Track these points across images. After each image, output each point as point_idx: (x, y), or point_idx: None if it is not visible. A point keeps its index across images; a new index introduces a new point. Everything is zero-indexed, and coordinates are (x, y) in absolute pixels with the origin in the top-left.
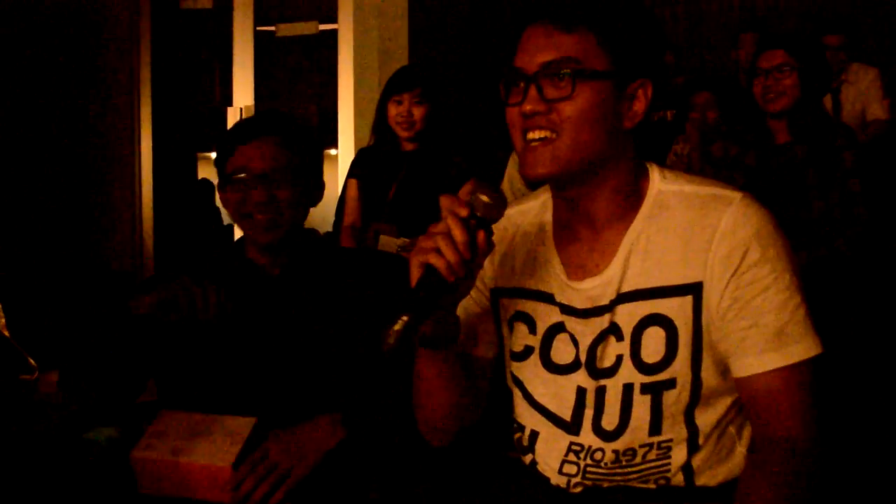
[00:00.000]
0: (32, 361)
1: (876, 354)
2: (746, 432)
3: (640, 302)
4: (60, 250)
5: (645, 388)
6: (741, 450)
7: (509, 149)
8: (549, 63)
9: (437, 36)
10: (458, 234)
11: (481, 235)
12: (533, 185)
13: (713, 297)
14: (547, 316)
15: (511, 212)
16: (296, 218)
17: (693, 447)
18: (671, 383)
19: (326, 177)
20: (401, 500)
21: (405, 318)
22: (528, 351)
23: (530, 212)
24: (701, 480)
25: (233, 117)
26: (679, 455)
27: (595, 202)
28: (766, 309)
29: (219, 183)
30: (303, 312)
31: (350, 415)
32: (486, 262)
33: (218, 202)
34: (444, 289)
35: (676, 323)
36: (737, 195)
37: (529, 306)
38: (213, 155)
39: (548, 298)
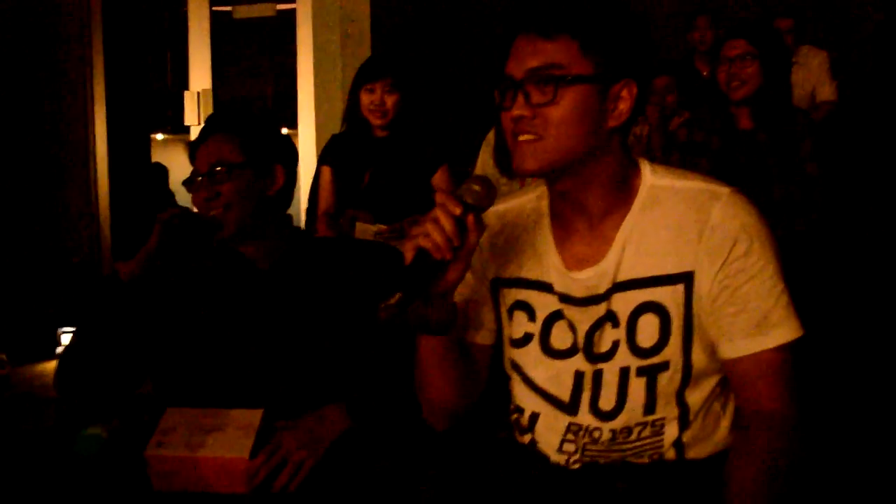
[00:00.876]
0: (3, 356)
1: (836, 331)
2: (729, 408)
3: (636, 290)
4: (13, 238)
5: (640, 371)
6: (725, 424)
7: (481, 132)
8: (535, 70)
9: (399, 14)
10: (444, 219)
11: (470, 219)
12: (507, 171)
13: (703, 285)
14: (546, 304)
15: (510, 205)
16: (244, 211)
17: (684, 424)
18: (665, 366)
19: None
20: (418, 486)
21: (398, 294)
22: (527, 338)
23: (528, 205)
24: (691, 454)
25: (190, 101)
26: (671, 432)
27: (587, 195)
28: (752, 296)
29: None
30: (296, 305)
31: (354, 404)
32: (487, 254)
33: (172, 186)
34: (434, 267)
35: (669, 310)
36: (725, 190)
37: (529, 295)
38: (160, 137)
39: (547, 288)
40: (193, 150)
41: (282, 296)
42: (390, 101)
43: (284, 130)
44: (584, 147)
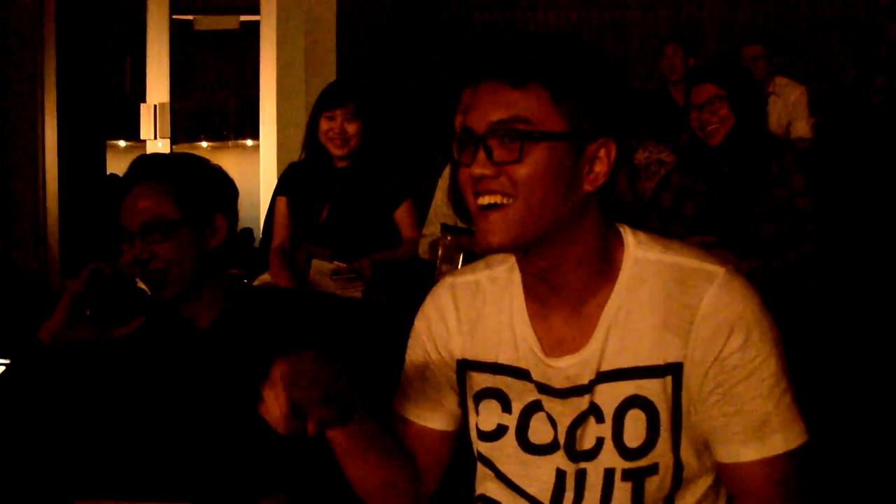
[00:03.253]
0: None
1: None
2: None
3: (621, 382)
4: None
5: (626, 475)
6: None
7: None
8: (498, 123)
9: (365, 26)
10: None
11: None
12: (463, 216)
13: (694, 378)
14: (522, 393)
15: (480, 277)
16: (183, 270)
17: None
18: (653, 469)
19: (247, 169)
20: None
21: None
22: (501, 430)
23: (499, 279)
24: None
25: (146, 114)
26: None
27: (563, 274)
28: (750, 396)
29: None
30: (237, 372)
31: (295, 495)
32: (453, 332)
33: None
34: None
35: (657, 405)
36: (720, 271)
37: (502, 382)
38: (122, 144)
39: (523, 375)
40: (117, 201)
41: (222, 359)
42: (351, 129)
43: (250, 143)
44: (555, 214)
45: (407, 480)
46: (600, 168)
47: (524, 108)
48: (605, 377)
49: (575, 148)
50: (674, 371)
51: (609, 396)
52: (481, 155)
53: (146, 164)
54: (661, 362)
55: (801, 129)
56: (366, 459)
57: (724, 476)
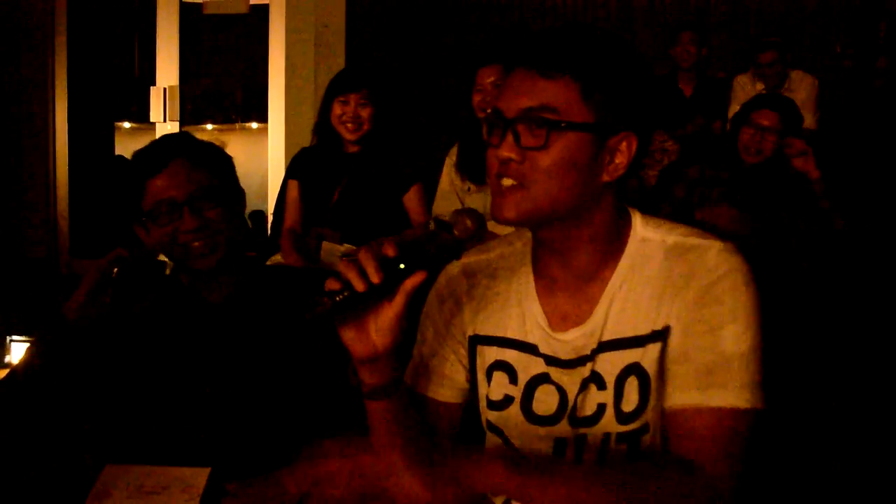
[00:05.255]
0: None
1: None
2: None
3: (620, 351)
4: None
5: (620, 438)
6: None
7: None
8: (528, 110)
9: (374, 9)
10: (370, 267)
11: (408, 280)
12: (472, 177)
13: (676, 339)
14: (529, 366)
15: (491, 255)
16: (232, 236)
17: None
18: (645, 429)
19: (254, 151)
20: None
21: (320, 307)
22: (508, 400)
23: (511, 257)
24: None
25: (156, 97)
26: None
27: (573, 251)
28: (705, 347)
29: (136, 222)
30: (250, 345)
31: None
32: (465, 309)
33: None
34: (355, 299)
35: (648, 370)
36: (717, 244)
37: (510, 355)
38: (127, 125)
39: (531, 349)
40: (144, 180)
41: (235, 333)
42: (364, 114)
43: (255, 125)
44: (572, 200)
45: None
46: (620, 160)
47: (553, 97)
48: (606, 346)
49: (598, 139)
50: (663, 336)
51: (610, 365)
52: (509, 138)
53: (175, 142)
54: (653, 329)
55: (806, 120)
56: (397, 430)
57: (666, 423)
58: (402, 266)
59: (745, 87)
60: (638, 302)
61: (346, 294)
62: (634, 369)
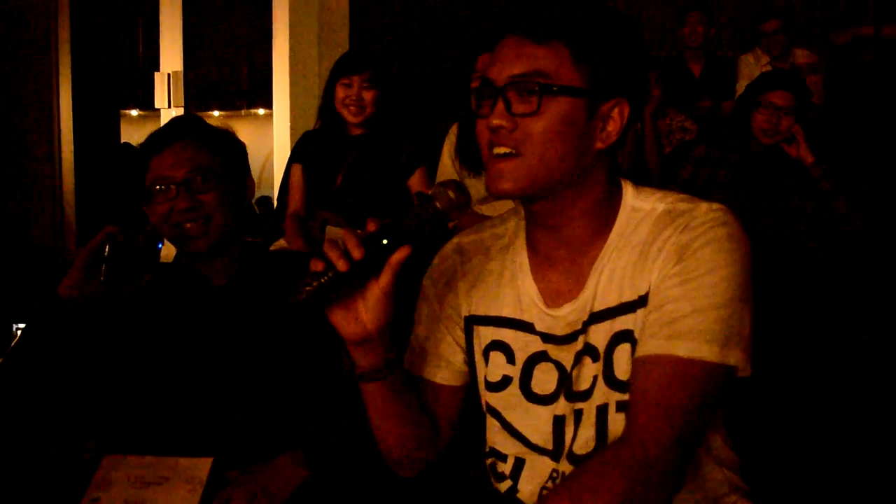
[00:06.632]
0: None
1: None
2: (717, 451)
3: (610, 321)
4: None
5: (620, 406)
6: (713, 469)
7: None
8: (519, 76)
9: None
10: (351, 244)
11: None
12: (470, 165)
13: (653, 293)
14: (526, 345)
15: (484, 234)
16: (226, 221)
17: None
18: None
19: (260, 137)
20: None
21: (306, 289)
22: (506, 381)
23: (504, 236)
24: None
25: (160, 83)
26: None
27: (566, 223)
28: (676, 297)
29: (142, 199)
30: (253, 328)
31: (312, 451)
32: (460, 289)
33: None
34: (339, 278)
35: (637, 335)
36: (704, 205)
37: (507, 335)
38: (134, 113)
39: (527, 328)
40: (149, 157)
41: (237, 316)
42: (368, 96)
43: (262, 111)
44: (567, 168)
45: (428, 434)
46: (613, 127)
47: (545, 62)
48: (596, 318)
49: (590, 105)
50: (645, 301)
51: (601, 335)
52: (500, 106)
53: (183, 123)
54: (637, 295)
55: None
56: (395, 415)
57: (632, 375)
58: (384, 241)
59: (750, 65)
60: (624, 269)
61: (330, 275)
62: (625, 336)
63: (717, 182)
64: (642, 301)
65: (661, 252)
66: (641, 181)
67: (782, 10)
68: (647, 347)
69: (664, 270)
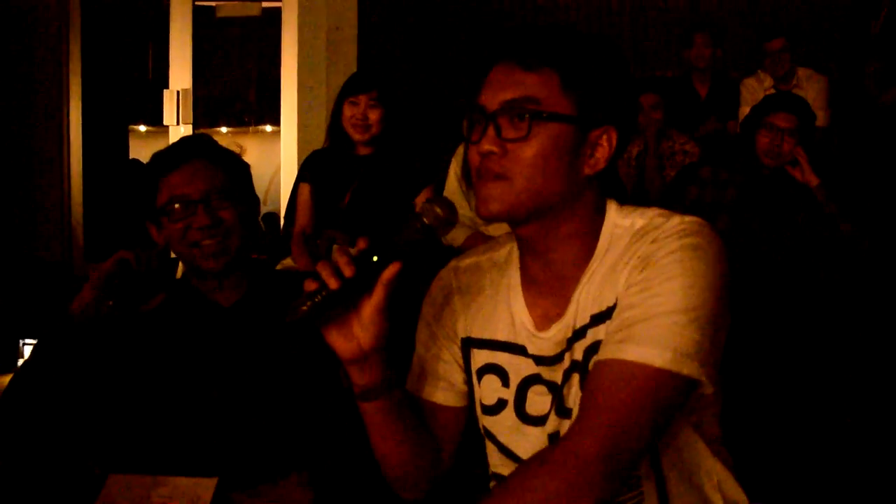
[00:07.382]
0: None
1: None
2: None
3: (587, 335)
4: None
5: None
6: (712, 483)
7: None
8: (510, 102)
9: (386, 13)
10: (341, 262)
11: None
12: (471, 185)
13: (618, 308)
14: (520, 368)
15: (481, 258)
16: (243, 240)
17: (661, 486)
18: None
19: (268, 153)
20: None
21: (303, 308)
22: (501, 404)
23: (499, 261)
24: None
25: (169, 100)
26: (650, 489)
27: (554, 249)
28: (634, 304)
29: (149, 219)
30: (260, 349)
31: (316, 472)
32: (457, 311)
33: None
34: (332, 296)
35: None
36: (677, 217)
37: (502, 358)
38: (142, 129)
39: (520, 350)
40: (160, 177)
41: (244, 337)
42: (374, 115)
43: (269, 128)
44: (554, 192)
45: (430, 455)
46: (601, 153)
47: (535, 89)
48: (578, 334)
49: (579, 132)
50: (613, 311)
51: (581, 350)
52: (490, 131)
53: (195, 143)
54: (607, 307)
55: (819, 119)
56: (395, 434)
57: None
58: (374, 258)
59: (753, 89)
60: (601, 284)
61: (323, 294)
62: (596, 348)
63: (723, 203)
64: (609, 312)
65: (628, 264)
66: (643, 203)
67: (788, 28)
68: (601, 353)
69: (629, 280)
